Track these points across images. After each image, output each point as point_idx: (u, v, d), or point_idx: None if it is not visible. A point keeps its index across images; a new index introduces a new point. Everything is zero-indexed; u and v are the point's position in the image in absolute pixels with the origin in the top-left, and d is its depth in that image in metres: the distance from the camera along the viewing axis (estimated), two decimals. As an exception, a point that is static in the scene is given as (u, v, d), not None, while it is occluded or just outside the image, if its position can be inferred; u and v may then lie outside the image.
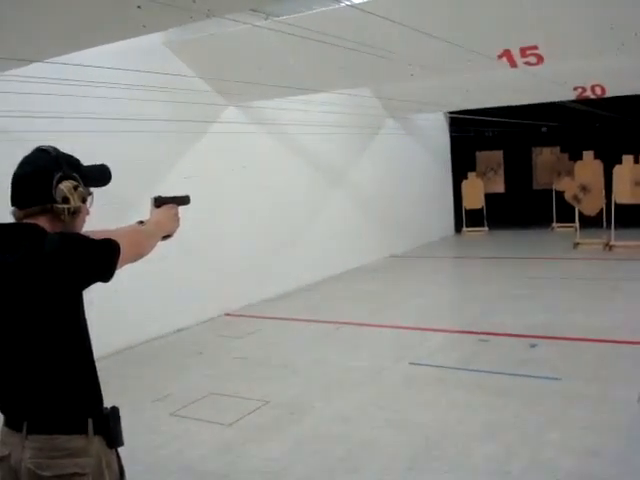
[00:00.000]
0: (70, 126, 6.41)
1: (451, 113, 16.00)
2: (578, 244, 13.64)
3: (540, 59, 7.16)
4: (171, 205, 2.63)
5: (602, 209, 13.67)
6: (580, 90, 10.77)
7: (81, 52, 5.65)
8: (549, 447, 4.53)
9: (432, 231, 16.08)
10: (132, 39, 5.66)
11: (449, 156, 17.52)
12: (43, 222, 2.12)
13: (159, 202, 2.64)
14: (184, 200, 2.76)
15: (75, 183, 2.15)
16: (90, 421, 2.11)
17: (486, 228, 17.02)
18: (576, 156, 14.89)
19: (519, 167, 18.02)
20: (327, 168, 11.83)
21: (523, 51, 7.08)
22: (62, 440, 2.06)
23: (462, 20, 6.48)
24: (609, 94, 10.95)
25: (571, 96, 11.22)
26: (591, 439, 4.60)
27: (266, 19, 6.34)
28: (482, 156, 18.18)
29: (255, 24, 6.29)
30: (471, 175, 17.29)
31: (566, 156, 17.14)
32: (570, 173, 14.93)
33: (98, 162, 2.36)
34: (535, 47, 6.98)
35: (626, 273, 10.83)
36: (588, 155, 14.14)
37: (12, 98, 6.05)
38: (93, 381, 2.20)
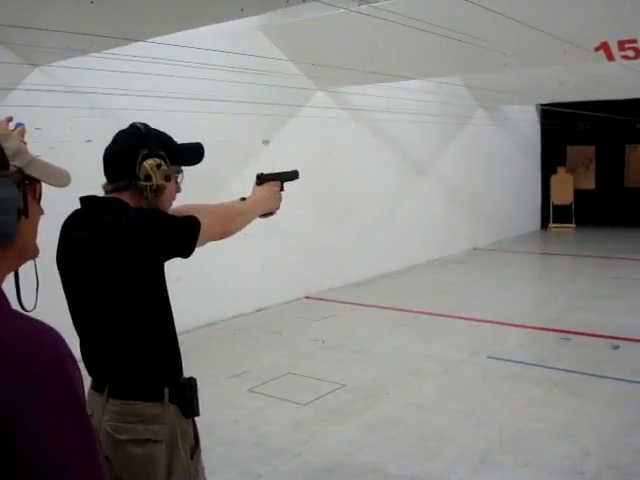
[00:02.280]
0: (165, 105, 6.59)
1: (543, 105, 15.65)
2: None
3: (638, 53, 6.94)
4: (273, 183, 2.61)
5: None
6: (680, 87, 10.39)
7: (179, 33, 5.79)
8: (626, 451, 4.44)
9: (517, 225, 15.81)
10: (229, 22, 5.77)
11: (539, 149, 17.16)
12: (127, 197, 2.18)
13: (261, 179, 2.61)
14: (291, 175, 2.71)
15: (159, 161, 2.16)
16: (166, 390, 2.16)
17: (573, 225, 16.62)
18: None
19: (611, 164, 17.46)
20: (413, 156, 11.77)
21: (621, 44, 6.86)
22: (138, 406, 2.13)
23: (560, 10, 6.33)
24: None
25: (670, 92, 10.84)
26: (671, 445, 4.49)
27: (359, 4, 6.34)
28: (573, 151, 17.72)
29: (349, 9, 6.31)
30: (561, 170, 16.87)
31: (661, 154, 16.59)
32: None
33: (188, 142, 2.38)
34: (634, 41, 6.76)
35: None
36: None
37: (110, 76, 6.27)
38: (172, 351, 2.26)
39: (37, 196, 1.30)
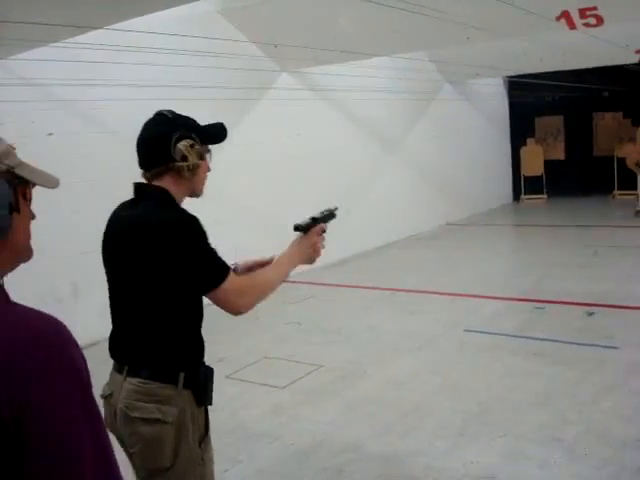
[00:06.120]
0: (127, 94, 6.49)
1: (510, 78, 15.66)
2: (639, 212, 13.31)
3: (600, 20, 6.95)
4: (308, 236, 2.54)
5: (666, 176, 13.27)
6: (643, 53, 10.44)
7: (136, 19, 5.69)
8: (604, 415, 4.48)
9: (490, 199, 15.84)
10: (187, 6, 5.68)
11: (508, 122, 17.18)
12: (168, 181, 2.29)
13: (299, 230, 2.51)
14: (330, 217, 2.69)
15: (191, 141, 2.28)
16: (182, 375, 2.23)
17: (545, 196, 16.70)
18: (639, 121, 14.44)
19: (579, 133, 17.50)
20: (382, 134, 11.73)
21: (582, 12, 6.87)
22: (153, 387, 2.20)
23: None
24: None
25: (634, 59, 10.87)
26: (648, 407, 4.54)
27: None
28: (541, 122, 17.74)
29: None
30: (530, 141, 16.92)
31: (629, 122, 16.60)
32: (633, 139, 14.49)
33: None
34: (594, 8, 6.77)
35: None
36: (652, 120, 13.71)
37: (68, 66, 6.16)
38: (195, 341, 2.35)
39: (28, 198, 1.33)
